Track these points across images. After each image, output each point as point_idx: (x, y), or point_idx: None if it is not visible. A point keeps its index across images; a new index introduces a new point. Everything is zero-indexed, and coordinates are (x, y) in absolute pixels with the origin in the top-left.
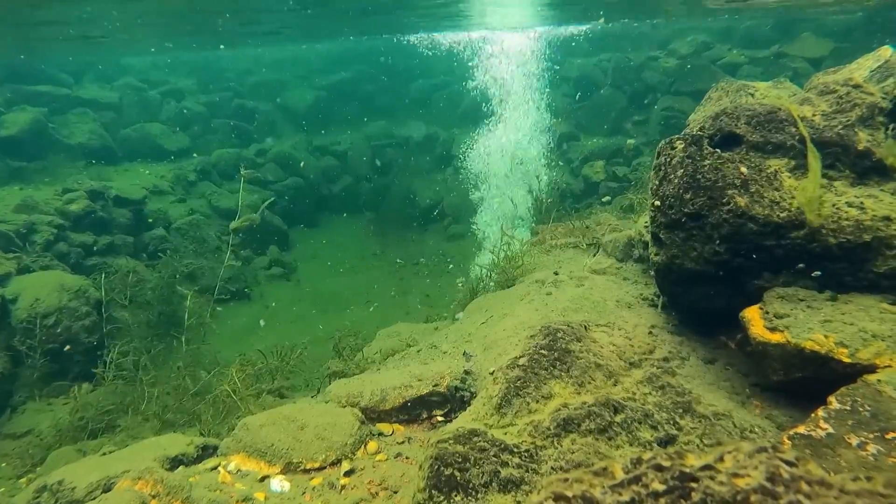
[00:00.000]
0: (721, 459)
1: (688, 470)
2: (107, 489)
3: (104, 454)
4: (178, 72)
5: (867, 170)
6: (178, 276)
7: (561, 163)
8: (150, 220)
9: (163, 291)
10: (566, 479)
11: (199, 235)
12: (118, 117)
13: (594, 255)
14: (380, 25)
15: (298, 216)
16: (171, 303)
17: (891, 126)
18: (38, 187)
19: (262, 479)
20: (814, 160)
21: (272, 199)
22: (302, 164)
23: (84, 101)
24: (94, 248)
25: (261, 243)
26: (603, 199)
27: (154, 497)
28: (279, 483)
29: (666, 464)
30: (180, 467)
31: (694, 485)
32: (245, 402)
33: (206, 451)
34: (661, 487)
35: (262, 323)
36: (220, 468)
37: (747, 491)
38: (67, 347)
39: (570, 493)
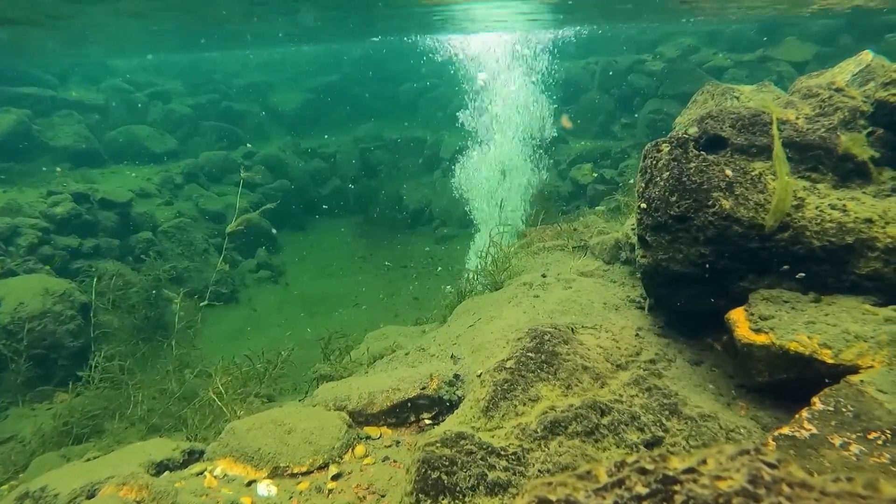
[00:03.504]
0: (704, 462)
1: (671, 473)
2: (90, 496)
3: (88, 460)
4: (165, 74)
5: (849, 172)
6: (163, 279)
7: (549, 165)
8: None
9: (148, 295)
10: (550, 483)
11: (186, 238)
12: (104, 119)
13: (581, 258)
14: (368, 28)
15: (286, 219)
16: (158, 306)
17: (869, 128)
18: (21, 190)
19: (249, 483)
20: (780, 164)
21: (276, 201)
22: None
23: (69, 103)
24: (80, 252)
25: (249, 246)
26: (596, 210)
27: (139, 503)
28: (266, 487)
29: (649, 467)
30: (166, 472)
31: (677, 488)
32: (232, 406)
33: (193, 456)
34: (644, 491)
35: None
36: (206, 473)
37: (729, 494)
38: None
39: (553, 497)
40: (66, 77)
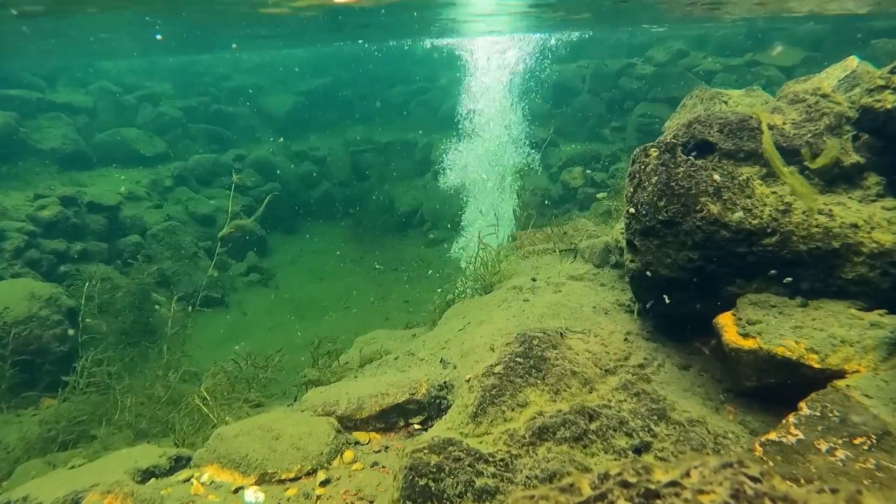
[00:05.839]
0: (687, 475)
1: (653, 486)
2: None
3: (73, 467)
4: (154, 76)
5: (835, 178)
6: (150, 283)
7: (540, 168)
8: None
9: (135, 299)
10: (532, 497)
11: (176, 242)
12: (93, 122)
13: (571, 261)
14: (359, 32)
15: (277, 222)
16: (145, 310)
17: (854, 133)
18: (7, 193)
19: (236, 490)
20: (775, 159)
21: (275, 191)
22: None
23: (57, 105)
24: (67, 255)
25: (239, 249)
26: (598, 195)
27: None
28: (253, 494)
29: (632, 480)
30: (152, 479)
31: (659, 502)
32: (219, 411)
33: (180, 463)
34: None
35: None
36: (193, 480)
37: None
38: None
39: None
40: (54, 79)
